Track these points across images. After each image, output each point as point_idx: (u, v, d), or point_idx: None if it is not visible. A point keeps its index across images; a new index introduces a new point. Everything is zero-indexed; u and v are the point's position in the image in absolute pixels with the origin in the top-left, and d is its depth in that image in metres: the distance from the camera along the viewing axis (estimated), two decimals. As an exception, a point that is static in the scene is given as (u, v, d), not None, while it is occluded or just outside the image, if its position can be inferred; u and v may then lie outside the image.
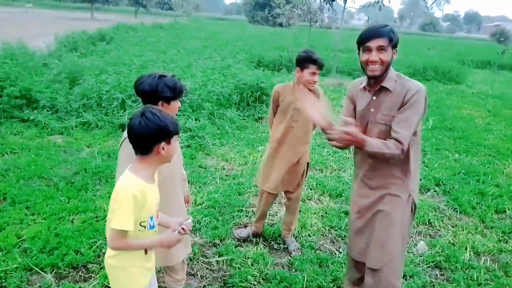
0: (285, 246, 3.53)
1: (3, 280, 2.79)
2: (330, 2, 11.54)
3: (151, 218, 1.79)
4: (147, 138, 1.69)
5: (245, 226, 3.78)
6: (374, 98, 2.20)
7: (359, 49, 2.18)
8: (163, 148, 1.72)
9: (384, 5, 9.97)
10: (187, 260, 2.69)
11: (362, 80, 2.30)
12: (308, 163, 3.38)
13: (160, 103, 2.15)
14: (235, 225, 3.81)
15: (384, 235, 2.23)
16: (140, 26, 23.47)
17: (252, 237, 3.60)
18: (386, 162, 2.17)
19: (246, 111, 7.55)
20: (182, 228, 1.86)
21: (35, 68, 7.86)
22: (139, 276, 1.86)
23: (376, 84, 2.19)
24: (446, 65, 14.87)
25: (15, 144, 5.23)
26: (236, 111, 7.28)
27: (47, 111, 6.35)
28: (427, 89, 2.15)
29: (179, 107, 2.27)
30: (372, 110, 2.21)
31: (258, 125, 7.18)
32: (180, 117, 6.21)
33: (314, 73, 3.02)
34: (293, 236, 3.64)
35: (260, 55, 13.49)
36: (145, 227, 1.77)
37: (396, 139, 2.06)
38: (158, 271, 3.01)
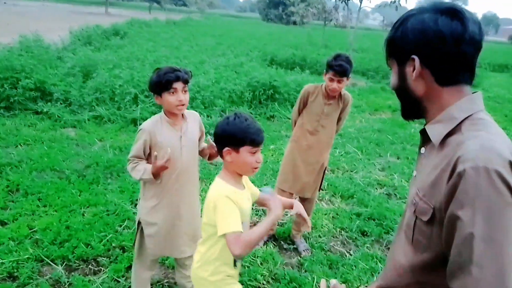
0: (295, 246, 3.50)
1: (15, 270, 2.81)
2: (346, 1, 11.44)
3: (242, 223, 1.67)
4: (216, 140, 1.71)
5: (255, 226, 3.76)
6: (422, 151, 1.14)
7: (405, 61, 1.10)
8: (229, 153, 1.66)
9: (400, 4, 9.84)
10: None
11: None
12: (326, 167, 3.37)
13: (154, 96, 2.25)
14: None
15: None
16: (154, 22, 23.61)
17: (267, 240, 3.56)
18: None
19: (258, 109, 7.53)
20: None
21: (50, 61, 7.93)
22: (226, 286, 1.79)
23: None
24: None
25: (29, 136, 5.28)
26: (248, 109, 7.26)
27: (61, 104, 6.39)
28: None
29: (180, 100, 2.19)
30: (415, 174, 1.16)
31: (269, 124, 7.15)
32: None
33: (332, 80, 2.93)
34: (303, 236, 3.60)
35: (273, 53, 13.45)
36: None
37: None
38: (168, 267, 3.02)
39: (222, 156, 1.70)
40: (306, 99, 3.15)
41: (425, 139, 1.12)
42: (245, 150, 1.64)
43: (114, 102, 6.50)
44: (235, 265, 1.79)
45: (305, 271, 3.16)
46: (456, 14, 1.00)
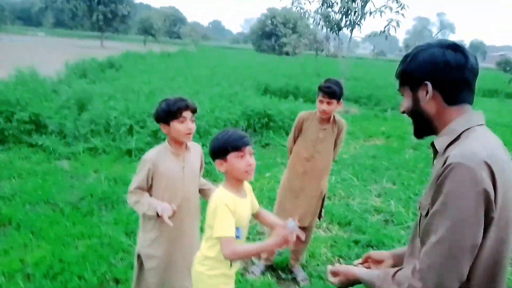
0: (293, 276, 3.43)
1: (5, 308, 2.73)
2: (337, 31, 11.72)
3: (238, 229, 1.85)
4: (211, 157, 1.89)
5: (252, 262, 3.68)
6: (434, 163, 1.34)
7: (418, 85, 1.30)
8: (221, 164, 1.85)
9: (390, 34, 10.10)
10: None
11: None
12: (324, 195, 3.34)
13: (161, 125, 2.24)
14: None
15: None
16: (149, 54, 23.98)
17: (265, 270, 3.45)
18: None
19: (253, 137, 7.55)
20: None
21: (45, 94, 7.95)
22: (222, 285, 1.96)
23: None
24: (452, 93, 14.85)
25: (23, 169, 5.24)
26: (243, 138, 7.27)
27: (55, 136, 6.38)
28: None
29: (189, 128, 2.21)
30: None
31: (264, 152, 7.16)
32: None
33: (321, 101, 2.99)
34: (301, 265, 3.54)
35: (267, 83, 13.65)
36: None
37: (414, 269, 1.19)
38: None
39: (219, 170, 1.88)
40: (301, 125, 3.18)
41: (435, 152, 1.33)
42: (232, 157, 1.82)
43: (109, 133, 6.50)
44: (231, 265, 1.93)
45: (304, 300, 3.09)
46: (458, 48, 1.26)
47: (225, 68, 18.60)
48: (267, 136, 7.69)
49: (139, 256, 2.36)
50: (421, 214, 1.27)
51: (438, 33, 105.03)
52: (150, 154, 2.27)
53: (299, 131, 3.21)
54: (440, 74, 1.25)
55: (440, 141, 1.27)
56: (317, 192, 3.23)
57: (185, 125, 2.20)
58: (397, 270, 1.26)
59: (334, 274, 1.49)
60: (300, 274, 3.41)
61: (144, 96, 8.40)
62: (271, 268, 3.53)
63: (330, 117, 3.09)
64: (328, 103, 2.97)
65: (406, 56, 1.35)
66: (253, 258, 3.57)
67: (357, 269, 1.44)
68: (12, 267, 3.12)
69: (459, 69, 1.24)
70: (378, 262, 1.59)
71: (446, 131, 1.27)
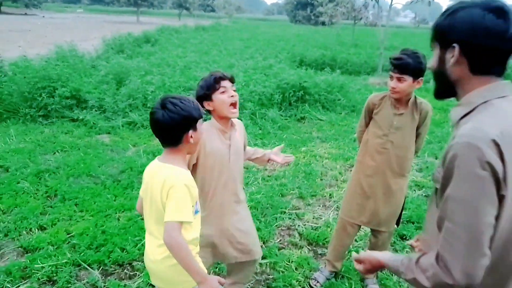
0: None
1: (54, 274, 2.87)
2: (376, -2, 11.19)
3: (196, 202, 1.78)
4: (175, 130, 1.69)
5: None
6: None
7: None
8: (191, 136, 1.71)
9: (433, 0, 9.51)
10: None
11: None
12: (405, 197, 2.81)
13: (205, 103, 2.14)
14: (277, 227, 3.72)
15: None
16: (183, 28, 24.02)
17: (330, 276, 3.03)
18: None
19: (288, 111, 7.46)
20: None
21: (84, 69, 8.17)
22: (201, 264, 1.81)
23: None
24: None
25: (66, 143, 5.43)
26: (278, 111, 7.20)
27: (95, 111, 6.56)
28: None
29: (232, 96, 2.13)
30: None
31: (300, 125, 7.06)
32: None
33: (391, 77, 2.46)
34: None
35: (302, 54, 13.36)
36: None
37: (437, 256, 1.12)
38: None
39: (177, 144, 1.73)
40: (371, 111, 2.66)
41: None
42: (200, 124, 1.75)
43: (146, 107, 6.60)
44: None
45: (342, 277, 3.06)
46: (502, 13, 1.11)
47: (259, 41, 18.33)
48: (303, 109, 7.56)
49: None
50: (436, 187, 1.22)
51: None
52: None
53: (370, 116, 2.69)
54: (473, 39, 1.12)
55: (455, 112, 1.21)
56: (394, 191, 2.66)
57: (227, 94, 2.13)
58: (421, 256, 1.20)
59: (359, 261, 1.45)
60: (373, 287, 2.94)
61: (180, 70, 8.45)
62: (308, 242, 3.51)
63: (407, 99, 2.51)
64: (399, 79, 2.40)
65: (446, 10, 1.22)
66: (321, 264, 3.19)
67: (380, 255, 1.38)
68: (59, 238, 3.27)
69: (496, 37, 1.10)
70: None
71: (463, 101, 1.20)
